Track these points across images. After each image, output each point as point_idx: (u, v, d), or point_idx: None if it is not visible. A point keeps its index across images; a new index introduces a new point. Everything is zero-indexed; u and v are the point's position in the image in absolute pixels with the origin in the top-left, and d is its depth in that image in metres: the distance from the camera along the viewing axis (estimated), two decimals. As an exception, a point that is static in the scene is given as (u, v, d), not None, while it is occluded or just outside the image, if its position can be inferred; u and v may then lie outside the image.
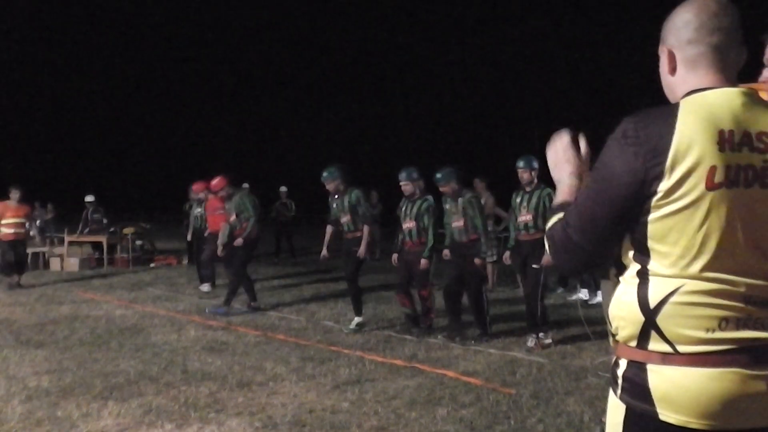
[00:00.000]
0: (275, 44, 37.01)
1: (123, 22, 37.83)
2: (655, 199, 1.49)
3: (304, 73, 35.97)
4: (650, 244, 1.52)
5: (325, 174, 7.68)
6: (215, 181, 9.61)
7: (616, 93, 22.27)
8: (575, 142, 1.79)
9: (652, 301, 1.52)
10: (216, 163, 38.36)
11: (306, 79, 35.76)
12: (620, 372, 1.59)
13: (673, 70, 1.64)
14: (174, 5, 37.07)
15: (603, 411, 1.64)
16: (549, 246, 1.69)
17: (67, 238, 14.13)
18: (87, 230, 14.43)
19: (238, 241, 8.92)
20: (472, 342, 6.85)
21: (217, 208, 10.13)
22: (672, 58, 1.63)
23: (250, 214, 8.92)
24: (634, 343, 1.56)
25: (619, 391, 1.58)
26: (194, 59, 39.49)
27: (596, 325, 7.62)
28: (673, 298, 1.49)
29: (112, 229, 14.73)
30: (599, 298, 8.97)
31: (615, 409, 1.60)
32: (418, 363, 6.10)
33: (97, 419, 4.66)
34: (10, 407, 4.92)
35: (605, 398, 1.66)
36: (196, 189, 11.04)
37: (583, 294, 9.51)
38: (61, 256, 14.12)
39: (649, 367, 1.52)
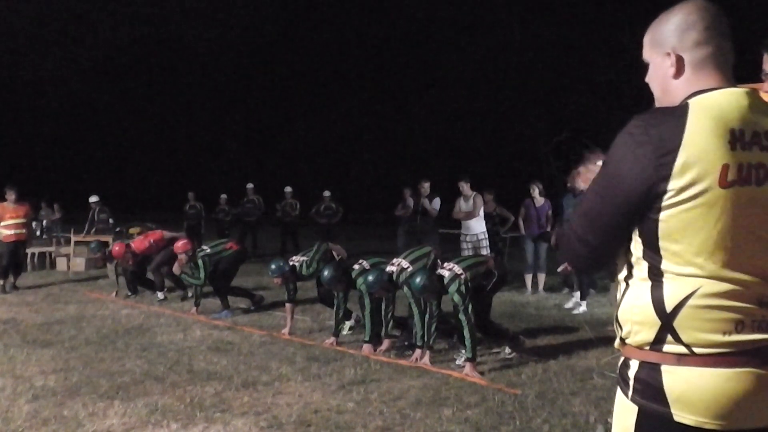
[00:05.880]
0: (281, 43, 37.04)
1: (127, 20, 37.89)
2: (666, 197, 1.49)
3: (309, 72, 36.00)
4: (662, 243, 1.52)
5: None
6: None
7: (620, 94, 22.27)
8: None
9: (669, 305, 1.51)
10: (221, 163, 38.48)
11: (311, 79, 35.80)
12: (631, 373, 1.58)
13: (678, 73, 1.63)
14: (181, 2, 37.14)
15: (609, 412, 1.64)
16: (561, 242, 1.71)
17: (73, 238, 14.17)
18: (93, 230, 14.47)
19: None
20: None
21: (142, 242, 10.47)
22: (679, 61, 1.63)
23: (199, 278, 8.90)
24: (647, 346, 1.55)
25: (630, 393, 1.57)
26: (197, 58, 39.54)
27: (601, 326, 7.63)
28: (691, 301, 1.49)
29: (118, 229, 14.76)
30: (583, 307, 8.83)
31: (625, 411, 1.59)
32: (418, 364, 6.09)
33: (103, 418, 4.68)
34: (16, 406, 4.94)
35: (611, 399, 1.66)
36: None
37: (576, 297, 9.23)
38: (67, 256, 14.15)
39: (664, 368, 1.52)
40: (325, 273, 6.93)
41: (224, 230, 16.54)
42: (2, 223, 11.22)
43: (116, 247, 10.29)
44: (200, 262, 8.80)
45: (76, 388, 5.43)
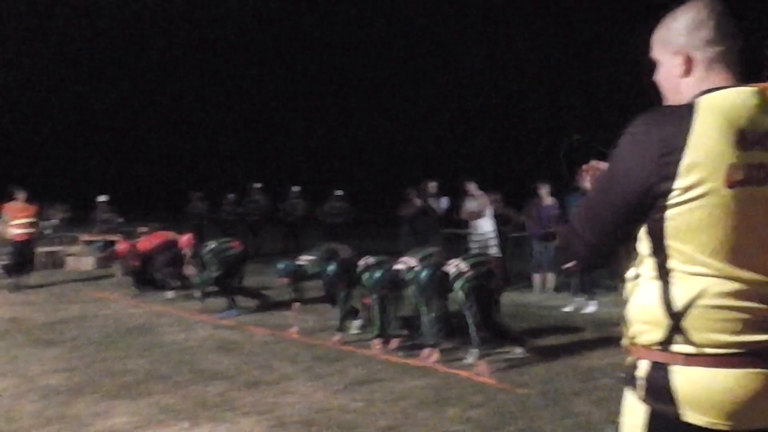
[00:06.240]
0: (287, 40, 37.10)
1: (129, 16, 38.02)
2: (671, 196, 1.48)
3: (314, 71, 36.06)
4: (669, 242, 1.51)
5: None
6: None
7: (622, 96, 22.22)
8: None
9: (677, 304, 1.50)
10: (227, 162, 38.55)
11: (317, 78, 35.86)
12: (639, 373, 1.57)
13: (687, 72, 1.62)
14: (187, 5, 37.24)
15: (613, 412, 1.63)
16: (559, 241, 1.70)
17: (80, 238, 14.23)
18: (101, 229, 14.52)
19: None
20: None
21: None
22: (688, 60, 1.61)
23: (213, 271, 8.82)
24: (656, 346, 1.54)
25: (638, 393, 1.56)
26: (203, 56, 39.65)
27: (606, 326, 7.60)
28: (699, 301, 1.48)
29: (125, 229, 14.80)
30: (591, 307, 8.82)
31: (634, 411, 1.58)
32: (427, 363, 6.08)
33: (108, 418, 4.69)
34: (21, 406, 4.95)
35: (615, 399, 1.65)
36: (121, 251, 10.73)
37: (578, 303, 9.15)
38: (75, 255, 14.22)
39: (673, 368, 1.51)
40: (328, 270, 6.95)
41: (228, 230, 16.53)
42: (12, 223, 11.38)
43: (121, 246, 10.38)
44: (207, 258, 8.83)
45: (80, 387, 5.44)
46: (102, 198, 14.95)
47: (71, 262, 14.20)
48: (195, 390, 5.34)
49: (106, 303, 9.84)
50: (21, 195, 11.51)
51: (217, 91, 39.71)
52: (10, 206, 11.51)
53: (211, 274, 8.80)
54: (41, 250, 14.07)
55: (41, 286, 11.72)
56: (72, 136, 42.14)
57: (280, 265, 7.62)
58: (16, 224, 11.39)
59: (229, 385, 5.47)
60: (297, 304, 7.64)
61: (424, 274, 6.05)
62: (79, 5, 34.63)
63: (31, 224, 11.60)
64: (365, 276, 6.77)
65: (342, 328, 7.10)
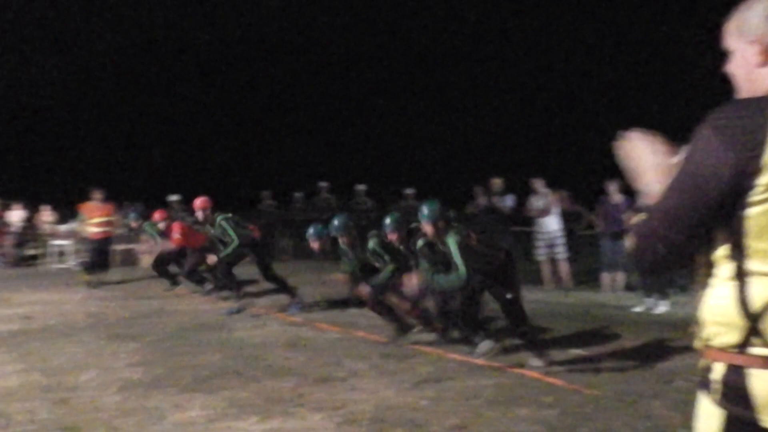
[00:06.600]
0: (354, 41, 37.40)
1: (205, 25, 39.00)
2: (753, 193, 1.42)
3: (379, 71, 36.22)
4: (749, 241, 1.45)
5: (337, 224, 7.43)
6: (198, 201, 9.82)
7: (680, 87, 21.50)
8: (656, 145, 1.67)
9: (755, 306, 1.44)
10: (294, 161, 39.10)
11: (381, 78, 36.01)
12: (715, 376, 1.52)
13: (765, 62, 1.55)
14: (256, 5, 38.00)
15: (691, 415, 1.59)
16: (633, 241, 1.62)
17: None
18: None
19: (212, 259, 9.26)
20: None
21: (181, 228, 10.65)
22: (766, 49, 1.55)
23: (232, 239, 8.94)
24: (732, 349, 1.49)
25: (714, 397, 1.51)
26: (270, 58, 40.34)
27: (683, 327, 7.37)
28: None
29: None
30: (663, 308, 8.58)
31: (709, 415, 1.53)
32: (498, 362, 6.04)
33: (186, 410, 4.82)
34: (103, 397, 5.15)
35: (694, 402, 1.60)
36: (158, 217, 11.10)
37: (649, 303, 8.91)
38: (150, 252, 14.69)
39: (750, 371, 1.45)
40: (335, 222, 7.00)
41: (297, 229, 16.72)
42: (90, 222, 11.89)
43: (157, 213, 11.00)
44: (224, 224, 8.97)
45: (157, 380, 5.62)
46: (174, 197, 15.38)
47: (145, 260, 14.69)
48: (266, 385, 5.44)
49: (179, 299, 10.15)
50: (98, 195, 12.04)
51: (284, 90, 40.28)
52: (88, 206, 12.07)
53: (233, 239, 8.91)
54: (117, 247, 14.64)
55: (118, 282, 12.18)
56: (147, 137, 43.49)
57: (311, 230, 7.66)
58: (94, 223, 11.91)
59: (299, 380, 5.55)
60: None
61: (426, 206, 5.99)
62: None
63: (107, 223, 12.12)
64: (370, 244, 6.84)
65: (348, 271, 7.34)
